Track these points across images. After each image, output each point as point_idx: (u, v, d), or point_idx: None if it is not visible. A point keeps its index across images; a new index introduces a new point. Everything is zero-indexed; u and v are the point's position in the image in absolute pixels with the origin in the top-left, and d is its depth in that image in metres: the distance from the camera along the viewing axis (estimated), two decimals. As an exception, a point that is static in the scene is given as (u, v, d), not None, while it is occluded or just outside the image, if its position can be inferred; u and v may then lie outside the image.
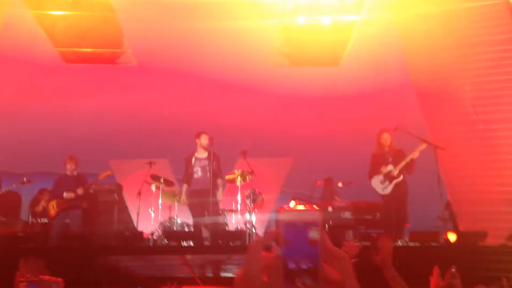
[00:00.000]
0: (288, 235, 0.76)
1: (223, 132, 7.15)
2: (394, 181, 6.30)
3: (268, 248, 0.79)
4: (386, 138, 6.54)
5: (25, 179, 7.33)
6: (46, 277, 1.98)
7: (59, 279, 2.04)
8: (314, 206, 0.82)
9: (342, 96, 8.69)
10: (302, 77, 8.86)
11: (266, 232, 0.79)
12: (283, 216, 0.77)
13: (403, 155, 6.36)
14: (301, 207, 0.79)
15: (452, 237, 6.06)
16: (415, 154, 6.24)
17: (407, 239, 5.89)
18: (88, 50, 8.54)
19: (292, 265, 0.75)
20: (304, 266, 0.75)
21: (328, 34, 8.04)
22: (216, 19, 7.70)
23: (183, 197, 7.11)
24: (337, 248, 0.78)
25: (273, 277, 0.76)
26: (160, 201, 7.26)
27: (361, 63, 8.46)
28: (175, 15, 7.85)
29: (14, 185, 7.44)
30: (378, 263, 2.43)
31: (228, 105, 9.01)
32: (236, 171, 7.21)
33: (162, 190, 7.28)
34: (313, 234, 0.76)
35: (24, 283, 1.97)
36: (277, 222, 0.77)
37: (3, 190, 7.27)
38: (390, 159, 6.42)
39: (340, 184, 7.84)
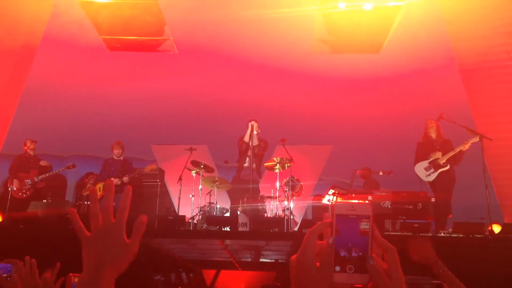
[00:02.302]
0: (341, 225, 0.82)
1: (262, 119, 7.17)
2: (440, 170, 6.17)
3: (321, 237, 0.84)
4: (431, 126, 6.40)
5: (71, 164, 7.60)
6: None
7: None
8: (367, 199, 0.86)
9: (384, 83, 8.53)
10: (342, 63, 8.75)
11: (321, 222, 0.84)
12: (338, 208, 0.82)
13: (450, 145, 6.20)
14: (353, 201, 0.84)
15: (496, 228, 5.92)
16: (466, 146, 6.02)
17: (450, 230, 5.78)
18: (131, 38, 8.72)
19: (343, 253, 0.81)
20: (354, 254, 0.81)
21: (369, 20, 7.87)
22: (256, 8, 7.68)
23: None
24: (385, 240, 0.82)
25: (325, 263, 0.82)
26: (200, 187, 7.40)
27: (403, 49, 8.26)
28: (215, 4, 7.89)
29: (60, 169, 7.70)
30: (422, 261, 2.31)
31: (267, 93, 9.02)
32: (275, 159, 7.24)
33: (202, 176, 7.41)
34: (364, 225, 0.81)
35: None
36: (331, 213, 0.83)
37: (50, 173, 7.51)
38: (438, 147, 6.27)
39: (380, 173, 7.74)
